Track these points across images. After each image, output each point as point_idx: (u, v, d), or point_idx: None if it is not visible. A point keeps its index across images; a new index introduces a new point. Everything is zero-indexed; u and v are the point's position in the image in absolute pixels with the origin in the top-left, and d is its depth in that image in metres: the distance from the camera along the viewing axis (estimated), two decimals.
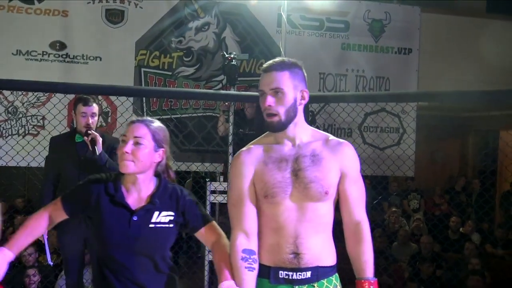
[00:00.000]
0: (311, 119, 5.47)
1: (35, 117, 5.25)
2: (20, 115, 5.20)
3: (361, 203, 1.88)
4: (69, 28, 5.38)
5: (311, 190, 1.78)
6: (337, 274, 1.90)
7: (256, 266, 1.78)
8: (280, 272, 1.80)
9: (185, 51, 5.64)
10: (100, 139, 3.19)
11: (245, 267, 1.75)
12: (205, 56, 5.68)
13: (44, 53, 5.33)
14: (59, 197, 1.86)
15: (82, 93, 4.64)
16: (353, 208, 1.85)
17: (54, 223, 1.86)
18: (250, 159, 1.86)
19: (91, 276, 1.89)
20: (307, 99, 1.87)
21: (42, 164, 4.41)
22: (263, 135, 1.97)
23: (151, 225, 1.74)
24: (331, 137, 1.92)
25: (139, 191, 1.79)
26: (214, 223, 1.92)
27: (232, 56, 4.19)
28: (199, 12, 5.64)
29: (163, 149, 1.84)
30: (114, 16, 5.48)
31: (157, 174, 1.86)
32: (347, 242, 1.87)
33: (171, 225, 1.80)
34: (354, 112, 4.67)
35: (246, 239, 1.79)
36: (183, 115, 5.50)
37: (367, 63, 6.05)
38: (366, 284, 1.79)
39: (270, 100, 1.80)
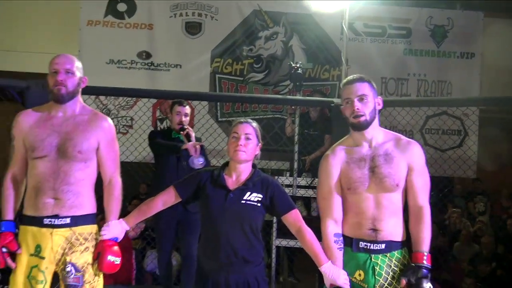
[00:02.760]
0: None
1: (125, 118, 5.93)
2: (112, 116, 5.89)
3: (425, 192, 2.26)
4: (153, 39, 6.05)
5: (385, 183, 2.19)
6: (406, 248, 2.27)
7: (343, 245, 2.24)
8: (361, 242, 2.20)
9: (255, 59, 6.15)
10: (193, 133, 3.63)
11: (337, 248, 2.21)
12: (273, 63, 6.16)
13: (132, 62, 6.03)
14: (171, 185, 2.34)
15: (163, 98, 5.25)
16: (418, 195, 2.23)
17: (167, 206, 2.35)
18: (336, 161, 2.29)
19: (200, 241, 2.35)
20: (381, 105, 2.31)
21: (129, 159, 5.05)
22: (343, 138, 2.41)
23: (242, 201, 2.19)
24: (402, 137, 2.34)
25: (238, 175, 2.25)
26: (298, 211, 2.31)
27: (298, 65, 4.58)
28: (268, 23, 6.13)
29: (260, 143, 2.33)
30: (193, 28, 6.09)
31: (253, 165, 2.33)
32: (410, 222, 2.25)
33: (259, 205, 2.21)
34: (416, 115, 4.87)
35: (335, 225, 2.24)
36: (253, 117, 5.99)
37: (429, 68, 6.25)
38: (421, 256, 2.16)
39: (357, 104, 2.22)
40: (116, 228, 2.28)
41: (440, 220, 6.50)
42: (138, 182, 5.98)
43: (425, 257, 2.16)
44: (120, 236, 2.30)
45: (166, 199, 2.32)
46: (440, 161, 5.59)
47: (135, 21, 6.03)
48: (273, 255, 4.32)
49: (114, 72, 5.95)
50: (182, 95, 4.65)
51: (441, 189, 6.05)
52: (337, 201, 2.26)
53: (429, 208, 2.25)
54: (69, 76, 2.28)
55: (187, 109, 3.72)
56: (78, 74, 2.33)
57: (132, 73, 6.00)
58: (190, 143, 3.48)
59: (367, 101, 2.23)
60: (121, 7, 6.00)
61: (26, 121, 2.31)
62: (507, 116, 7.28)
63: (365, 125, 2.24)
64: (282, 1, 6.17)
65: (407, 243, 2.29)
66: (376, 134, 2.29)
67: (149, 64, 6.04)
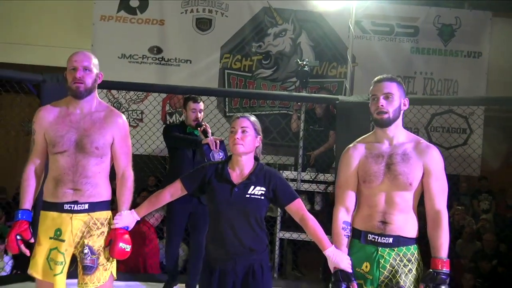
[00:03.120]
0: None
1: (135, 111, 6.08)
2: (123, 110, 6.04)
3: (443, 196, 2.31)
4: (165, 35, 6.18)
5: (399, 180, 2.26)
6: (416, 245, 2.30)
7: (350, 233, 2.35)
8: (369, 235, 2.28)
9: (264, 55, 6.25)
10: (209, 129, 3.70)
11: (344, 235, 2.33)
12: (281, 59, 6.26)
13: (144, 56, 6.17)
14: (178, 179, 2.46)
15: (173, 93, 5.33)
16: (435, 199, 2.27)
17: (174, 198, 2.48)
18: (356, 154, 2.39)
19: (208, 231, 2.46)
20: (407, 106, 2.39)
21: (139, 152, 5.18)
22: (366, 134, 2.50)
23: (247, 195, 2.29)
24: (422, 140, 2.40)
25: (241, 169, 2.35)
26: (300, 200, 2.41)
27: (304, 63, 4.67)
28: (278, 20, 6.23)
29: (260, 136, 2.43)
30: (203, 24, 6.21)
31: (256, 158, 2.43)
32: (428, 226, 2.30)
33: (262, 198, 2.29)
34: (421, 113, 4.92)
35: (346, 213, 2.36)
36: (261, 112, 6.11)
37: (436, 66, 6.31)
38: (440, 262, 2.19)
39: (382, 101, 2.29)
40: (128, 218, 2.43)
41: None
42: (147, 174, 6.10)
43: (444, 264, 2.20)
44: (131, 226, 2.45)
45: (174, 191, 2.45)
46: (445, 159, 5.63)
47: (147, 17, 6.16)
48: (277, 248, 4.44)
49: (126, 67, 6.09)
50: (191, 91, 4.76)
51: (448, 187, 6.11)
52: (351, 191, 2.37)
53: (447, 213, 2.30)
54: (87, 73, 2.40)
55: (201, 105, 3.79)
56: (95, 70, 2.45)
57: (143, 68, 6.13)
58: (211, 137, 3.53)
59: (393, 99, 2.30)
60: (134, 3, 6.14)
61: (46, 117, 2.44)
62: (510, 116, 7.30)
63: (388, 123, 2.32)
64: None
65: (420, 241, 2.35)
66: (398, 133, 2.36)
67: (160, 59, 6.17)
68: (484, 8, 6.39)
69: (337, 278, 2.23)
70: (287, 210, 2.42)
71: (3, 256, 4.83)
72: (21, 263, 4.53)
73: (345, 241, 2.32)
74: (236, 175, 2.36)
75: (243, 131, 2.34)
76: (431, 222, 2.28)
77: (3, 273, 4.66)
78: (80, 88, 2.39)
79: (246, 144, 2.33)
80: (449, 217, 6.47)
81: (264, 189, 2.32)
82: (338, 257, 2.25)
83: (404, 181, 2.26)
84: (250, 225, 2.31)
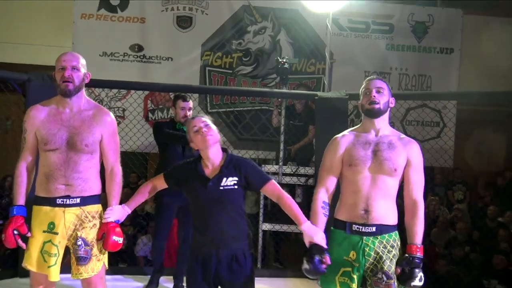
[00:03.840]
0: (356, 112, 6.06)
1: (117, 108, 6.13)
2: (105, 107, 6.02)
3: (420, 188, 2.50)
4: (145, 32, 6.24)
5: (384, 165, 2.41)
6: (397, 232, 2.47)
7: (328, 213, 2.50)
8: (353, 225, 2.43)
9: (244, 52, 6.38)
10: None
11: (323, 213, 2.49)
12: (261, 56, 6.39)
13: (125, 54, 6.22)
14: (162, 173, 2.61)
15: (155, 91, 5.35)
16: (413, 189, 2.46)
17: (156, 191, 2.64)
18: (343, 141, 2.55)
19: (193, 222, 2.57)
20: (394, 104, 2.56)
21: (123, 149, 5.22)
22: (355, 126, 2.67)
23: (221, 188, 2.44)
24: (404, 136, 2.59)
25: (213, 163, 2.48)
26: (273, 181, 2.53)
27: (284, 60, 4.81)
28: (257, 18, 6.35)
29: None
30: (184, 22, 6.30)
31: (225, 150, 2.57)
32: (406, 215, 2.48)
33: (236, 187, 2.43)
34: (395, 108, 5.11)
35: (325, 194, 2.52)
36: (242, 109, 6.24)
37: (410, 62, 6.53)
38: (415, 247, 2.39)
39: (375, 93, 2.49)
40: (119, 211, 2.55)
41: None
42: (129, 171, 6.12)
43: (418, 249, 2.40)
44: (122, 219, 2.57)
45: (157, 184, 2.62)
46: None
47: (127, 15, 6.20)
48: (260, 240, 4.59)
49: (107, 64, 6.12)
50: (172, 88, 4.85)
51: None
52: (333, 175, 2.54)
53: (423, 203, 2.48)
54: (75, 72, 2.50)
55: (191, 104, 3.88)
56: (83, 70, 2.55)
57: (124, 65, 6.18)
58: None
59: (383, 94, 2.51)
60: (114, 1, 6.18)
61: (38, 116, 2.53)
62: (483, 109, 7.57)
63: (378, 113, 2.50)
64: None
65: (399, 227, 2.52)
66: (384, 126, 2.55)
67: (141, 57, 6.23)
68: (456, 6, 6.65)
69: (311, 251, 2.36)
70: (263, 192, 2.56)
71: None
72: (9, 259, 4.59)
73: (322, 219, 2.47)
74: (209, 170, 2.49)
75: (205, 125, 2.50)
76: (409, 211, 2.46)
77: None
78: (68, 87, 2.48)
79: (214, 134, 2.49)
80: (425, 208, 6.72)
81: (236, 178, 2.44)
82: (313, 231, 2.37)
83: (390, 166, 2.42)
84: (228, 214, 2.44)
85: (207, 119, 2.55)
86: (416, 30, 6.54)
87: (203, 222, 2.46)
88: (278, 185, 2.52)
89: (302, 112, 5.28)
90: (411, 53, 6.56)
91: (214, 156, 2.50)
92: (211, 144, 2.47)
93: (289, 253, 5.54)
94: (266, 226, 4.64)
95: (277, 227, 4.64)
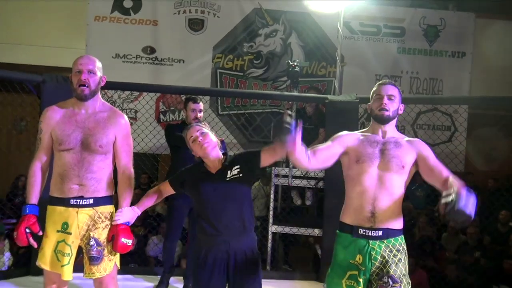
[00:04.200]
0: (367, 116, 6.05)
1: (130, 110, 6.20)
2: (118, 108, 6.09)
3: (444, 168, 2.44)
4: (158, 35, 6.32)
5: (392, 163, 2.41)
6: (402, 236, 2.46)
7: (308, 153, 2.41)
8: (360, 229, 2.41)
9: (255, 55, 6.42)
10: (209, 128, 3.86)
11: (305, 149, 2.42)
12: (272, 59, 6.42)
13: (137, 56, 6.30)
14: (167, 180, 2.67)
15: (166, 93, 5.39)
16: (441, 171, 2.37)
17: (164, 196, 2.69)
18: (349, 136, 2.56)
19: (198, 222, 2.60)
20: (403, 111, 2.56)
21: (134, 150, 5.27)
22: (364, 129, 2.68)
23: (227, 179, 2.50)
24: (408, 138, 2.60)
25: (214, 164, 2.54)
26: (264, 149, 2.54)
27: (295, 63, 4.82)
28: (268, 21, 6.39)
29: (214, 132, 2.65)
30: (196, 25, 6.35)
31: (224, 154, 2.62)
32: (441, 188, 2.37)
33: (241, 175, 2.48)
34: (406, 112, 5.10)
35: (312, 151, 2.48)
36: (253, 111, 6.27)
37: (421, 66, 6.52)
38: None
39: (386, 100, 2.49)
40: (129, 213, 2.59)
41: (430, 211, 6.79)
42: (140, 172, 6.20)
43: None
44: (132, 221, 2.61)
45: (163, 190, 2.68)
46: None
47: (140, 17, 6.29)
48: (269, 241, 4.61)
49: (120, 66, 6.21)
50: (184, 91, 4.86)
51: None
52: (327, 151, 2.51)
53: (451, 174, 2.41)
54: (91, 75, 2.53)
55: (201, 105, 3.90)
56: (99, 73, 2.58)
57: (137, 67, 6.27)
58: None
59: (394, 101, 2.51)
60: (127, 3, 6.26)
61: (53, 117, 2.57)
62: (495, 113, 7.53)
63: (387, 120, 2.51)
64: (281, 0, 6.43)
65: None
66: (391, 130, 2.57)
67: (153, 59, 6.30)
68: (468, 10, 6.62)
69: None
70: (263, 162, 2.52)
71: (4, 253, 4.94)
72: (22, 258, 4.66)
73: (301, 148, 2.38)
74: (213, 168, 2.56)
75: (201, 133, 2.54)
76: (442, 186, 2.31)
77: (3, 268, 4.78)
78: (84, 92, 2.52)
79: (211, 141, 2.52)
80: (434, 212, 6.65)
81: (238, 166, 2.51)
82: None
83: (397, 163, 2.42)
84: (238, 205, 2.49)
85: (202, 126, 2.58)
86: (428, 33, 6.53)
87: (213, 220, 2.48)
88: (268, 147, 2.51)
89: (312, 115, 5.28)
90: (423, 56, 6.56)
91: (215, 158, 2.56)
92: (210, 151, 2.53)
93: (298, 255, 5.55)
94: (275, 229, 4.66)
95: (287, 230, 4.66)
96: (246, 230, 2.52)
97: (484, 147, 7.55)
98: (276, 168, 4.85)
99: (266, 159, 2.51)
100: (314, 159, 2.46)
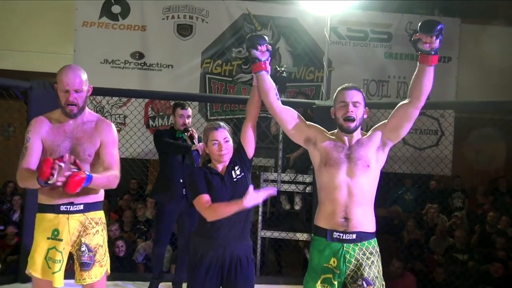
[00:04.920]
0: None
1: (118, 115, 6.19)
2: (106, 114, 6.14)
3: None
4: (146, 40, 6.33)
5: (358, 165, 2.43)
6: (375, 239, 2.51)
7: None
8: (334, 233, 2.44)
9: (243, 60, 6.45)
10: (196, 135, 3.81)
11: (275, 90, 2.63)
12: None
13: (126, 61, 6.30)
14: (201, 195, 2.53)
15: (155, 98, 5.40)
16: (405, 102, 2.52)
17: None
18: (322, 133, 2.57)
19: (198, 225, 2.64)
20: (367, 115, 2.56)
21: (124, 155, 5.28)
22: (330, 132, 2.67)
23: (234, 179, 2.56)
24: (367, 133, 2.61)
25: (222, 166, 2.60)
26: (240, 137, 2.65)
27: (283, 69, 4.86)
28: (257, 26, 6.42)
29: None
30: (184, 30, 6.37)
31: None
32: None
33: (242, 174, 2.57)
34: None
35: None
36: (241, 116, 6.29)
37: (408, 71, 6.56)
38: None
39: (352, 108, 2.47)
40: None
41: (418, 215, 6.85)
42: (130, 178, 6.11)
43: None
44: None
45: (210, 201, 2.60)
46: (419, 159, 5.94)
47: (128, 23, 6.29)
48: (259, 247, 4.62)
49: (108, 72, 6.21)
50: (172, 96, 4.87)
51: (421, 188, 6.39)
52: (296, 117, 2.60)
53: None
54: (79, 93, 2.52)
55: (189, 111, 3.91)
56: (85, 87, 2.56)
57: (125, 73, 6.26)
58: (200, 144, 3.57)
59: (359, 108, 2.50)
60: (115, 9, 6.26)
61: (43, 127, 2.56)
62: (481, 117, 7.63)
63: (352, 130, 2.51)
64: (269, 5, 6.48)
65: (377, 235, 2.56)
66: (356, 134, 2.56)
67: (142, 64, 6.30)
68: (454, 15, 6.71)
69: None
70: (248, 150, 2.61)
71: None
72: (10, 265, 4.62)
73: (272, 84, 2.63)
74: (220, 169, 2.61)
75: (226, 141, 2.56)
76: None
77: None
78: (74, 111, 2.53)
79: (230, 150, 2.58)
80: (423, 215, 6.70)
81: (237, 165, 2.58)
82: None
83: (363, 164, 2.44)
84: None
85: (227, 133, 2.60)
86: None
87: (216, 223, 2.50)
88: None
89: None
90: (409, 61, 6.62)
91: (224, 163, 2.62)
92: (226, 160, 2.58)
93: (287, 260, 5.57)
94: (265, 233, 4.68)
95: (276, 235, 4.68)
96: (244, 234, 2.56)
97: (471, 151, 7.66)
98: (265, 173, 4.87)
99: (247, 142, 2.60)
100: (281, 105, 2.61)
